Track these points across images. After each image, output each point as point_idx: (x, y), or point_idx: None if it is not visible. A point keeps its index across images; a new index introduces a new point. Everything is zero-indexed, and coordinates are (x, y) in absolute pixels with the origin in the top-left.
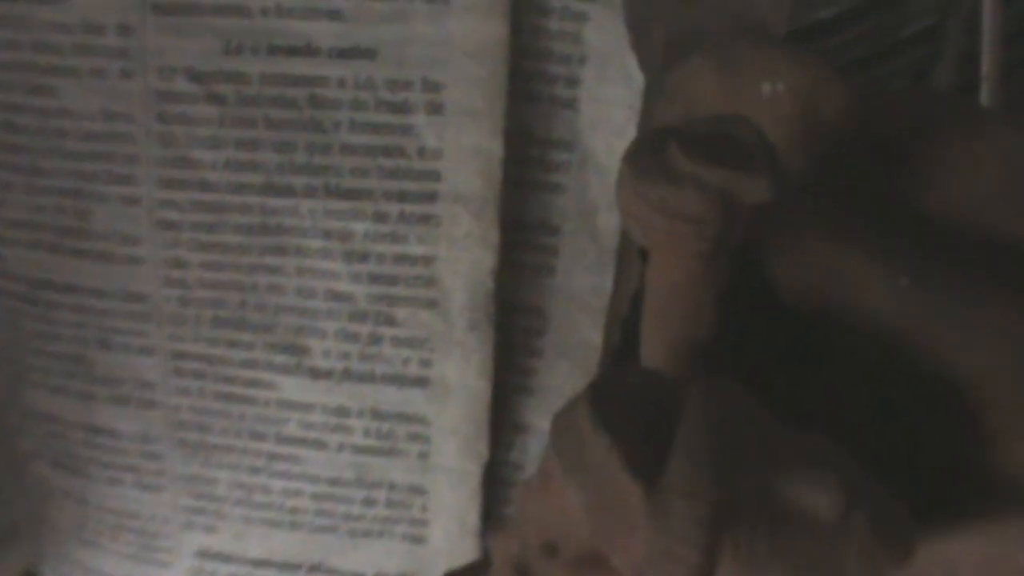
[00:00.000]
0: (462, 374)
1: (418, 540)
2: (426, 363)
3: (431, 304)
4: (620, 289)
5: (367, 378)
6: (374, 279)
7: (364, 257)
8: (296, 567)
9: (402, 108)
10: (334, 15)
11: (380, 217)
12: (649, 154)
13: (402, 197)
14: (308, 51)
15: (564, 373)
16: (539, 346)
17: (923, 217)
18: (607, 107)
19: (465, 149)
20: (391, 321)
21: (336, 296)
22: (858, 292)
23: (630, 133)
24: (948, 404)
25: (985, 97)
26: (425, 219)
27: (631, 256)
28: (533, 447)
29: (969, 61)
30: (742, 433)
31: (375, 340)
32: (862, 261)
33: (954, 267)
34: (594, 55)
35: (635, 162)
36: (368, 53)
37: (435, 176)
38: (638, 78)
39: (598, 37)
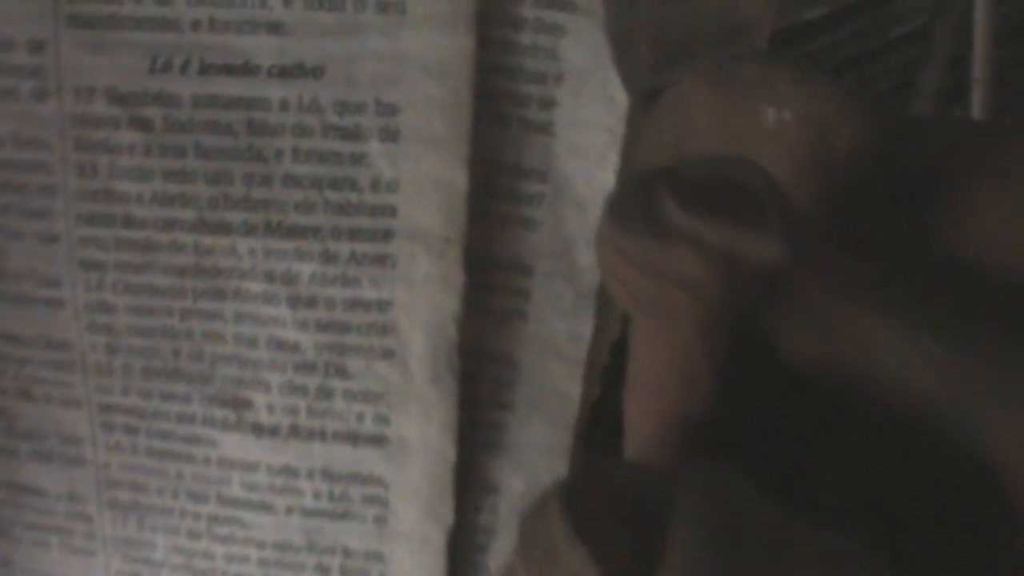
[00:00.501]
0: (423, 431)
1: None
2: (383, 419)
3: (387, 354)
4: (600, 335)
5: (317, 435)
6: (323, 326)
7: (311, 302)
8: None
9: (353, 134)
10: (274, 28)
11: (329, 258)
12: (636, 203)
13: (353, 235)
14: (246, 70)
15: (538, 428)
16: (510, 398)
17: (951, 262)
18: (586, 132)
19: (424, 181)
20: (343, 373)
21: (281, 345)
22: (876, 355)
23: (612, 161)
24: (975, 484)
25: (977, 100)
26: (380, 260)
27: (612, 299)
28: (504, 509)
29: (959, 62)
30: (743, 538)
31: (325, 394)
32: (880, 319)
33: (986, 323)
34: (571, 73)
35: (618, 213)
36: (314, 71)
37: (390, 211)
38: (621, 99)
39: (576, 52)
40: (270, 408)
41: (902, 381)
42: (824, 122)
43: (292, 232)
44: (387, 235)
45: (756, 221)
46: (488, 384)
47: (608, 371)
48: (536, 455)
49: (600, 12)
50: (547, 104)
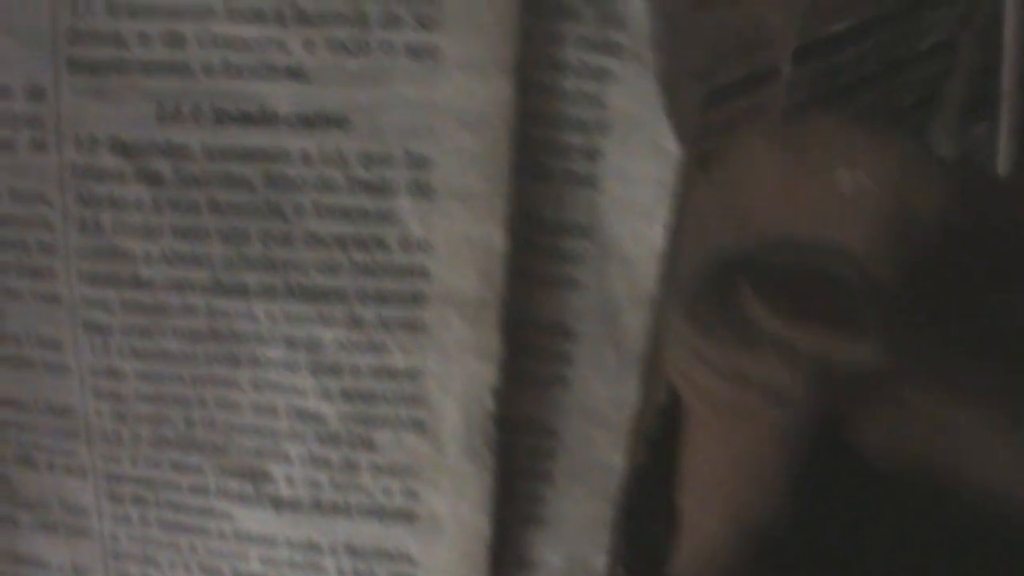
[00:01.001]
0: (455, 507)
1: None
2: (412, 494)
3: (417, 426)
4: (646, 401)
5: (341, 510)
6: (348, 396)
7: (335, 370)
8: None
9: (380, 189)
10: (295, 74)
11: (355, 323)
12: (715, 301)
13: (381, 298)
14: (263, 118)
15: (578, 500)
16: (549, 470)
17: None
18: (634, 185)
19: (459, 240)
20: (369, 445)
21: (302, 415)
22: (972, 453)
23: (662, 217)
24: None
25: (1004, 112)
26: (410, 325)
27: (659, 361)
28: None
29: (985, 74)
30: None
31: (350, 467)
32: (977, 414)
33: None
34: (619, 121)
35: (697, 312)
36: (338, 121)
37: (421, 273)
38: (672, 149)
39: (624, 99)
40: (290, 480)
41: (1000, 480)
42: (902, 183)
43: (314, 295)
44: (418, 299)
45: (851, 323)
46: (525, 454)
47: (654, 440)
48: (576, 529)
49: (649, 55)
50: (592, 155)
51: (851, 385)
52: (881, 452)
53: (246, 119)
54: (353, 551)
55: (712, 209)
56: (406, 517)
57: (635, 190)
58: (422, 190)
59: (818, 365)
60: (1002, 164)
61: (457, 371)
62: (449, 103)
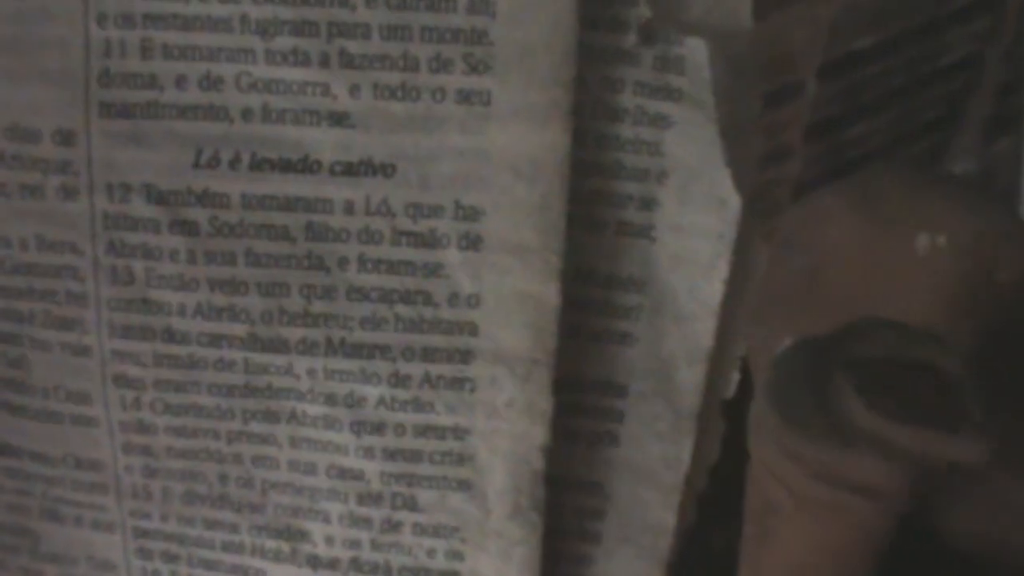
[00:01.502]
0: (501, 569)
1: None
2: (456, 555)
3: (463, 486)
4: (698, 459)
5: (381, 570)
6: (391, 455)
7: (378, 428)
8: None
9: (428, 241)
10: (339, 119)
11: (399, 380)
12: (807, 393)
13: (427, 355)
14: (305, 166)
15: (627, 561)
16: (597, 530)
17: None
18: (691, 237)
19: (509, 295)
20: (412, 505)
21: (342, 473)
22: None
23: (721, 271)
24: None
25: None
26: (457, 383)
27: (713, 418)
28: None
29: (1006, 92)
30: None
31: (392, 527)
32: None
33: None
34: (676, 170)
35: (786, 404)
36: (383, 169)
37: (470, 329)
38: (732, 200)
39: (682, 147)
40: (329, 540)
41: None
42: (984, 247)
43: (357, 351)
44: (466, 356)
45: (955, 419)
46: (573, 514)
47: (705, 499)
48: None
49: (710, 101)
50: (648, 205)
51: (947, 477)
52: (965, 537)
53: (287, 166)
54: None
55: (787, 276)
56: None
57: (692, 242)
58: (472, 243)
59: (918, 462)
60: None
61: (505, 430)
62: (501, 151)
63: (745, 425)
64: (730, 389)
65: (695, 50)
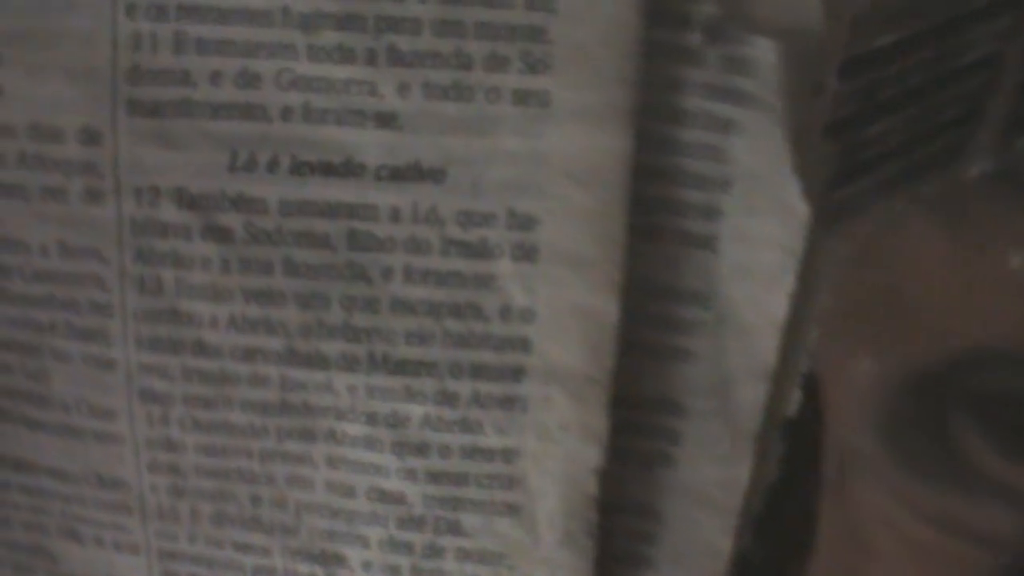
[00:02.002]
0: None
1: None
2: None
3: (511, 510)
4: (756, 480)
5: None
6: (435, 477)
7: (422, 449)
8: None
9: (479, 251)
10: (385, 120)
11: (446, 399)
12: (923, 435)
13: (477, 373)
14: (348, 170)
15: None
16: (650, 555)
17: None
18: (756, 248)
19: (565, 309)
20: (456, 529)
21: (383, 496)
22: None
23: (787, 285)
24: None
25: None
26: (507, 402)
27: (772, 438)
28: None
29: None
30: None
31: (434, 552)
32: None
33: None
34: (741, 177)
35: (900, 447)
36: (433, 174)
37: (523, 345)
38: (801, 210)
39: (748, 153)
40: (367, 566)
41: None
42: None
43: (402, 368)
44: (518, 374)
45: None
46: (625, 538)
47: (761, 521)
48: None
49: (779, 104)
50: (711, 214)
51: None
52: None
53: (328, 170)
54: None
55: (864, 293)
56: None
57: (757, 253)
58: (526, 253)
59: None
60: None
61: (557, 452)
62: (559, 156)
63: (800, 442)
64: (791, 408)
65: (764, 50)
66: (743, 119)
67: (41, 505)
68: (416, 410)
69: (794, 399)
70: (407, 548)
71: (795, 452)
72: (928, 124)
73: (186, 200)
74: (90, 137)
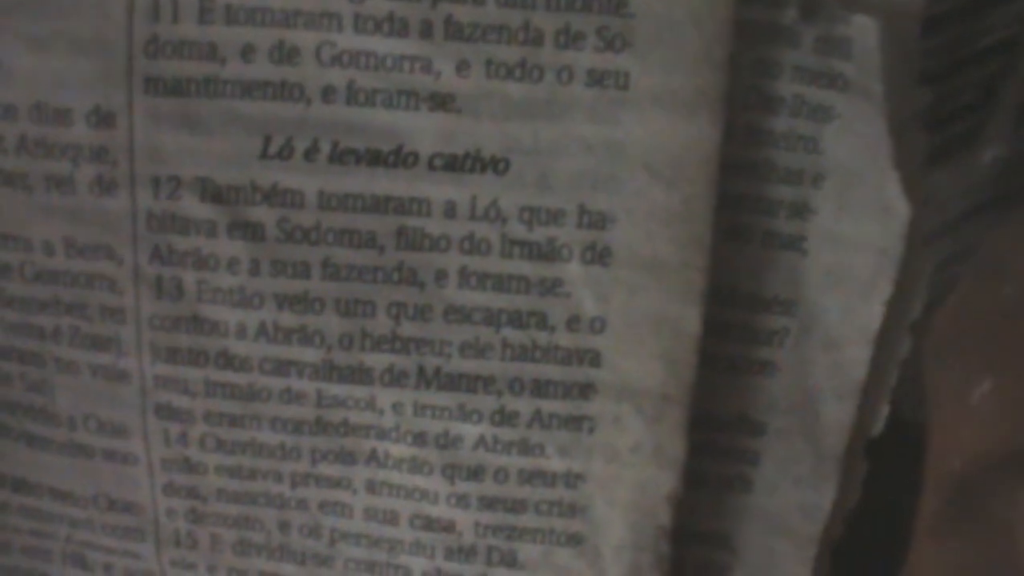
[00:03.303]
0: None
1: None
2: None
3: (574, 540)
4: (838, 505)
5: None
6: (488, 503)
7: (476, 473)
8: None
9: (545, 253)
10: (441, 102)
11: (504, 418)
12: None
13: (539, 389)
14: (398, 159)
15: None
16: None
17: None
18: (849, 251)
19: (641, 319)
20: (511, 561)
21: (429, 524)
22: None
23: (883, 292)
24: None
25: None
26: (573, 422)
27: (856, 458)
28: None
29: None
30: None
31: None
32: None
33: None
34: (835, 171)
35: None
36: (494, 164)
37: (592, 359)
38: (901, 209)
39: (844, 144)
40: None
41: None
42: None
43: (455, 383)
44: (586, 391)
45: None
46: (696, 570)
47: (841, 547)
48: None
49: (879, 91)
50: (800, 212)
51: None
52: None
53: (375, 159)
54: None
55: (990, 308)
56: None
57: (850, 257)
58: (598, 256)
59: None
60: None
61: (628, 478)
62: (638, 146)
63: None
64: (879, 426)
65: (864, 30)
66: (839, 106)
67: (44, 529)
68: (470, 430)
69: (882, 416)
70: None
71: (882, 475)
72: (944, 109)
73: (211, 192)
74: (101, 119)
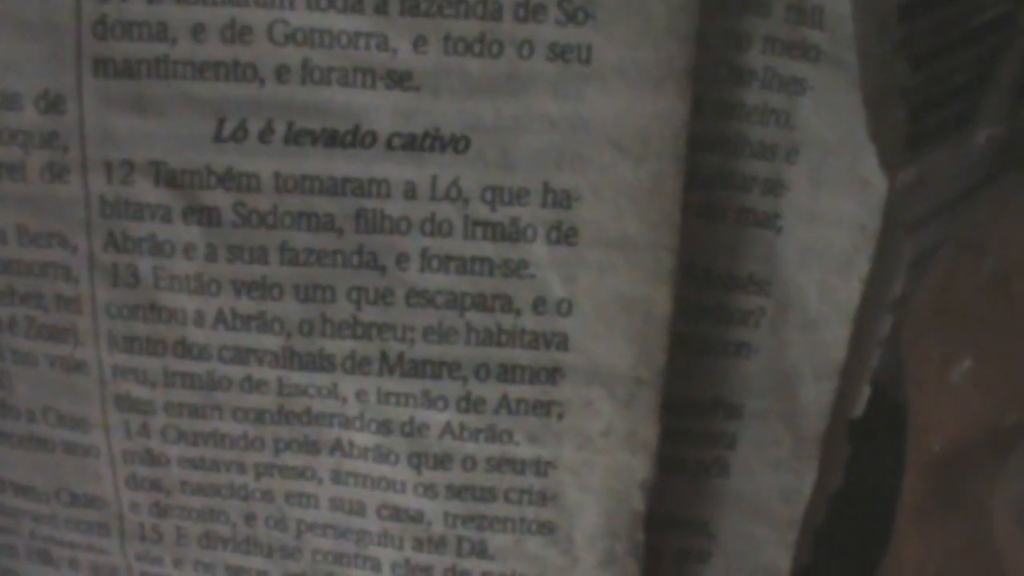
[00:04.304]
0: None
1: None
2: None
3: (545, 529)
4: (819, 489)
5: None
6: (457, 492)
7: (443, 461)
8: None
9: (509, 234)
10: (399, 80)
11: (470, 404)
12: None
13: (506, 374)
14: (355, 139)
15: None
16: (700, 575)
17: None
18: (825, 227)
19: (609, 300)
20: (482, 552)
21: (397, 513)
22: None
23: (860, 269)
24: None
25: None
26: (542, 408)
27: (838, 441)
28: None
29: None
30: None
31: None
32: None
33: None
34: (810, 145)
35: None
36: (455, 143)
37: (560, 342)
38: (878, 183)
39: (818, 117)
40: None
41: None
42: None
43: (419, 369)
44: (553, 375)
45: None
46: (674, 557)
47: (822, 534)
48: None
49: (854, 62)
50: (774, 188)
51: None
52: None
53: (332, 140)
54: None
55: (970, 285)
56: None
57: (827, 233)
58: (564, 236)
59: None
60: None
61: (600, 463)
62: (603, 122)
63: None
64: (860, 407)
65: None
66: (812, 78)
67: (7, 524)
68: (436, 417)
69: (863, 397)
70: (425, 572)
71: (864, 458)
72: (937, 89)
73: (165, 176)
74: (51, 103)
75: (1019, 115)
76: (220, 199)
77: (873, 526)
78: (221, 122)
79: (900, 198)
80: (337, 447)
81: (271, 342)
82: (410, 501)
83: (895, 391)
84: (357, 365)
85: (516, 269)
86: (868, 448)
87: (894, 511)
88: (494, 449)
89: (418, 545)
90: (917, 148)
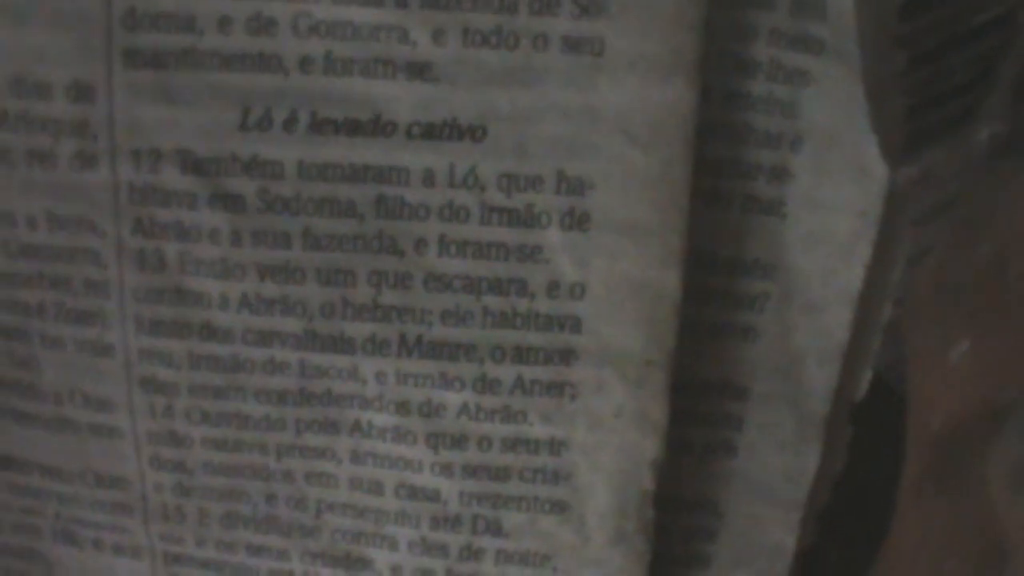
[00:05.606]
0: None
1: None
2: None
3: (558, 507)
4: (823, 471)
5: None
6: (472, 472)
7: (459, 441)
8: None
9: (524, 219)
10: (419, 71)
11: (486, 385)
12: None
13: (521, 356)
14: (376, 128)
15: None
16: (707, 553)
17: None
18: (828, 214)
19: (621, 284)
20: (497, 529)
21: (414, 493)
22: None
23: (862, 255)
24: None
25: None
26: (555, 388)
27: (840, 423)
28: None
29: None
30: None
31: (472, 554)
32: None
33: None
34: (813, 135)
35: None
36: (472, 132)
37: (573, 325)
38: (879, 172)
39: (821, 108)
40: (396, 570)
41: None
42: None
43: (437, 351)
44: (567, 356)
45: None
46: (681, 536)
47: (827, 514)
48: None
49: (855, 54)
50: (779, 176)
51: None
52: None
53: (353, 129)
54: None
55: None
56: None
57: (829, 220)
58: (576, 221)
59: None
60: None
61: (611, 443)
62: (614, 112)
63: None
64: (861, 390)
65: None
66: (815, 69)
67: (33, 505)
68: (453, 398)
69: (865, 381)
70: (441, 550)
71: (866, 440)
72: (938, 88)
73: (191, 164)
74: (81, 93)
75: (1021, 113)
76: (245, 186)
77: (876, 510)
78: (246, 111)
79: (906, 189)
80: (356, 428)
81: (293, 325)
82: (427, 480)
83: (894, 377)
84: (377, 347)
85: (531, 254)
86: (869, 432)
87: (896, 495)
88: (509, 429)
89: (434, 523)
90: (919, 146)
